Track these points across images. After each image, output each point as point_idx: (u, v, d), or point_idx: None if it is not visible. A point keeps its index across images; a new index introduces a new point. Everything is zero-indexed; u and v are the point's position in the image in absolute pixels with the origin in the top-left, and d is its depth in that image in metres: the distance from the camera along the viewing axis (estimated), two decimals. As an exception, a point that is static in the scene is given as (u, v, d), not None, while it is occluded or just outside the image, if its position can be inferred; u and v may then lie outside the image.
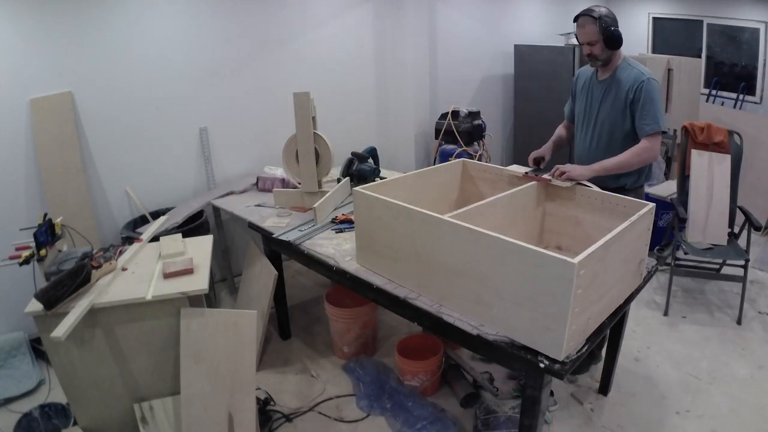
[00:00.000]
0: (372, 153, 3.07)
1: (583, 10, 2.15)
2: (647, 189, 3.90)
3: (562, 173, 2.07)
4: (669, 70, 4.68)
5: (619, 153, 2.18)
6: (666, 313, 3.04)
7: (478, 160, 3.92)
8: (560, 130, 2.56)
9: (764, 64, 5.83)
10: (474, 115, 4.14)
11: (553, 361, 1.44)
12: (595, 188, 2.02)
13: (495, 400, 2.19)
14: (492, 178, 2.34)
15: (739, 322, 2.91)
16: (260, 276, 2.67)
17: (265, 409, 2.28)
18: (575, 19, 2.19)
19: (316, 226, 2.44)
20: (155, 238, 2.02)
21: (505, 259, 1.47)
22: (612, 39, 2.12)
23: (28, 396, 2.43)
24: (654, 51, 6.63)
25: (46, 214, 1.87)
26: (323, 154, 2.66)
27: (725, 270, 3.30)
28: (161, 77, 3.01)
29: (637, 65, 2.20)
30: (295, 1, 3.51)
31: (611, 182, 2.25)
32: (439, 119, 4.22)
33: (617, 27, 2.12)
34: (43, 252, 1.73)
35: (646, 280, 1.94)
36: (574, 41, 5.01)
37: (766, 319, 2.97)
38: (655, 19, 6.59)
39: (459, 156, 3.92)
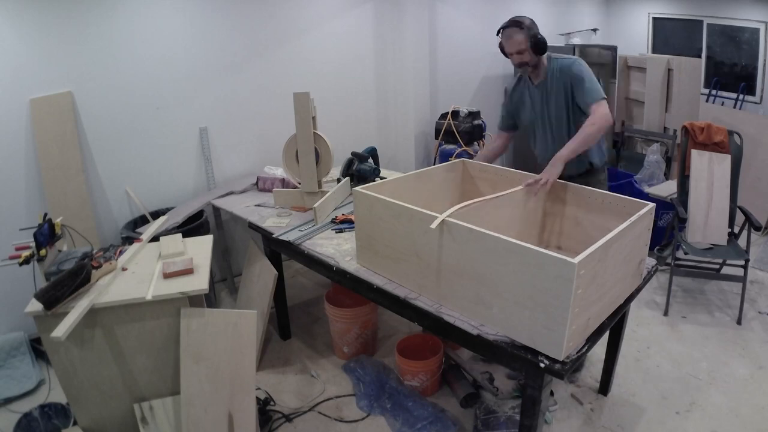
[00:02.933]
0: (372, 153, 3.07)
1: (507, 21, 2.24)
2: (647, 189, 3.90)
3: (543, 184, 2.03)
4: (669, 70, 4.68)
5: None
6: (666, 313, 3.04)
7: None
8: (493, 145, 2.65)
9: (764, 64, 5.83)
10: (474, 115, 4.14)
11: (554, 361, 1.44)
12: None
13: (495, 400, 2.19)
14: (492, 178, 2.34)
15: (739, 322, 2.91)
16: (260, 276, 2.67)
17: (265, 409, 2.28)
18: (499, 32, 2.27)
19: (316, 226, 2.44)
20: (155, 238, 2.02)
21: (505, 259, 1.47)
22: (538, 45, 2.20)
23: (28, 396, 2.43)
24: (654, 51, 6.63)
25: (46, 214, 1.86)
26: (323, 154, 2.66)
27: (725, 270, 3.30)
28: (161, 77, 3.01)
29: (558, 56, 2.29)
30: (295, 2, 3.51)
31: (579, 167, 2.34)
32: (439, 119, 4.22)
33: (540, 33, 2.22)
34: (43, 252, 1.73)
35: (646, 280, 1.94)
36: (575, 41, 5.04)
37: (766, 319, 2.97)
38: (655, 19, 6.59)
39: (459, 156, 3.92)
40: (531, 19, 2.24)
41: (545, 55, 2.29)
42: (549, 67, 2.29)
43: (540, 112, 2.39)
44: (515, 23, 2.21)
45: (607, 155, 2.49)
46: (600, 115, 2.13)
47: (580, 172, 2.38)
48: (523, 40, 2.20)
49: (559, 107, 2.31)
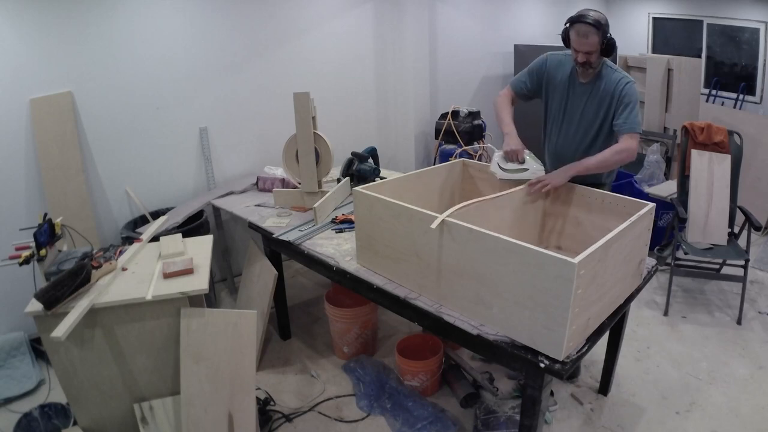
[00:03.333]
0: (372, 153, 3.07)
1: (583, 16, 2.04)
2: (647, 189, 3.90)
3: (544, 186, 2.04)
4: (669, 70, 4.68)
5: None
6: (666, 313, 3.04)
7: (478, 160, 3.92)
8: (509, 102, 2.41)
9: (764, 64, 5.83)
10: (474, 115, 4.14)
11: (554, 361, 1.44)
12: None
13: (495, 400, 2.19)
14: (492, 178, 2.33)
15: (739, 322, 2.91)
16: (260, 276, 2.67)
17: (265, 409, 2.28)
18: (572, 24, 2.09)
19: (316, 226, 2.44)
20: (155, 238, 2.02)
21: (505, 259, 1.47)
22: (610, 47, 2.09)
23: (28, 396, 2.43)
24: (654, 51, 6.62)
25: (46, 214, 1.86)
26: (323, 154, 2.66)
27: (725, 270, 3.30)
28: (161, 77, 3.01)
29: (616, 68, 2.20)
30: (295, 2, 3.51)
31: (589, 178, 2.27)
32: (439, 119, 4.22)
33: (610, 33, 2.10)
34: (43, 252, 1.73)
35: (646, 280, 1.94)
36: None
37: (766, 319, 2.97)
38: (655, 19, 6.59)
39: (459, 156, 3.92)
40: (604, 16, 2.09)
41: (602, 59, 2.18)
42: (603, 72, 2.17)
43: (572, 111, 2.28)
44: (595, 23, 2.02)
45: (615, 173, 2.45)
46: (627, 147, 2.09)
47: (585, 182, 2.25)
48: (597, 42, 2.05)
49: (596, 116, 2.22)
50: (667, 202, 3.57)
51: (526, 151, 2.17)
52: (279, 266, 2.62)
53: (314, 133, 2.61)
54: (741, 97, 5.92)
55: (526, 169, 2.14)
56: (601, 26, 2.04)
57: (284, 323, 2.86)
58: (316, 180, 2.68)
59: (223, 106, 3.31)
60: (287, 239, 2.32)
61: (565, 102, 2.30)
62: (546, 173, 2.14)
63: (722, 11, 5.99)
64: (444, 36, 4.53)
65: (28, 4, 2.49)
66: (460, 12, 4.66)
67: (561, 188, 2.10)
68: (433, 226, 1.61)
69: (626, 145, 2.10)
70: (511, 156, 2.17)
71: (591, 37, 2.05)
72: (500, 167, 2.18)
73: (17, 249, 1.77)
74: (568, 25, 2.12)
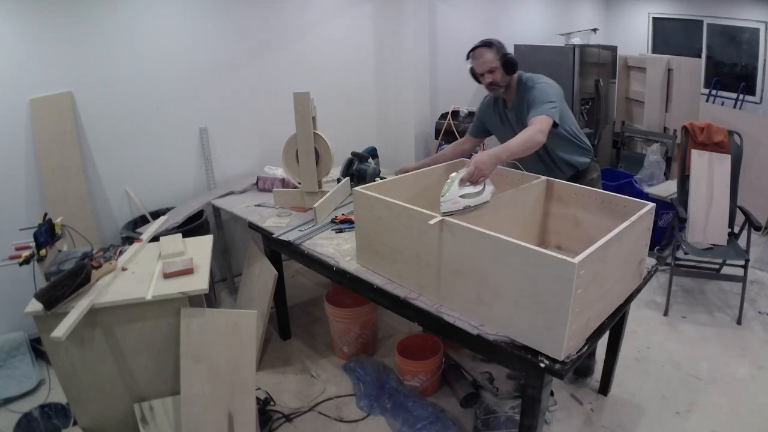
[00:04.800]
0: (372, 153, 3.07)
1: (478, 42, 2.26)
2: (647, 189, 3.90)
3: (481, 176, 1.84)
4: (669, 70, 4.68)
5: (556, 163, 2.35)
6: (666, 313, 3.04)
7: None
8: (461, 147, 2.69)
9: (764, 64, 5.82)
10: (474, 115, 4.12)
11: (554, 361, 1.44)
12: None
13: (495, 400, 2.19)
14: (492, 178, 2.32)
15: (739, 322, 2.91)
16: (260, 276, 2.67)
17: (265, 409, 2.29)
18: (468, 56, 2.29)
19: (316, 226, 2.44)
20: (155, 238, 2.02)
21: (505, 259, 1.47)
22: (509, 63, 2.23)
23: (28, 396, 2.43)
24: (654, 51, 6.62)
25: (46, 214, 1.87)
26: (323, 154, 2.66)
27: (725, 270, 3.30)
28: (161, 77, 3.01)
29: (532, 79, 2.25)
30: (296, 2, 3.51)
31: (566, 171, 2.37)
32: (439, 119, 4.22)
33: (509, 52, 2.26)
34: (43, 252, 1.73)
35: (646, 280, 1.94)
36: (575, 41, 5.04)
37: (766, 319, 2.97)
38: (655, 19, 6.59)
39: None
40: (498, 40, 2.28)
41: (516, 76, 2.30)
42: (520, 89, 2.29)
43: (513, 134, 2.22)
44: (484, 42, 2.25)
45: (590, 153, 2.41)
46: (533, 125, 2.02)
47: (567, 176, 2.36)
48: (493, 58, 2.22)
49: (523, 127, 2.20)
50: (667, 202, 3.57)
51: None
52: (279, 266, 2.62)
53: (314, 133, 2.61)
54: (741, 97, 5.92)
55: (477, 194, 1.83)
56: (491, 44, 2.23)
57: (284, 323, 2.86)
58: (316, 180, 2.68)
59: (223, 106, 3.31)
60: (287, 239, 2.32)
61: (505, 130, 2.41)
62: None
63: (722, 11, 5.99)
64: (444, 36, 4.53)
65: (28, 4, 2.49)
66: (460, 12, 4.66)
67: (561, 188, 2.09)
68: (432, 222, 1.61)
69: (533, 126, 2.02)
70: (478, 172, 1.85)
71: (486, 55, 2.23)
72: (457, 195, 1.79)
73: (17, 249, 1.77)
74: (469, 61, 2.31)
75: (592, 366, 2.48)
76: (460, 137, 4.04)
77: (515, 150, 1.99)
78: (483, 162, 1.84)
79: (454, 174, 1.84)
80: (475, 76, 2.36)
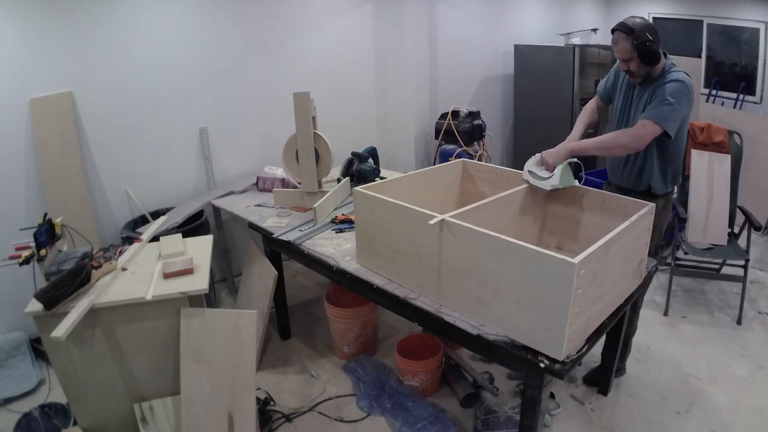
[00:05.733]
0: (372, 153, 3.07)
1: (619, 22, 1.98)
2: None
3: (541, 160, 2.01)
4: (669, 70, 4.67)
5: (652, 162, 2.11)
6: (666, 313, 3.04)
7: (478, 160, 3.92)
8: (590, 111, 2.33)
9: (764, 64, 5.83)
10: (474, 115, 4.14)
11: (554, 361, 1.44)
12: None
13: (495, 400, 2.19)
14: (492, 178, 2.34)
15: (739, 322, 2.91)
16: (260, 276, 2.67)
17: (265, 409, 2.28)
18: (612, 32, 2.02)
19: (316, 226, 2.44)
20: (155, 238, 2.02)
21: (505, 259, 1.47)
22: (648, 55, 1.93)
23: (28, 396, 2.43)
24: (654, 51, 6.61)
25: (46, 214, 1.87)
26: (323, 154, 2.66)
27: (725, 270, 3.30)
28: (161, 77, 3.01)
29: (676, 72, 2.01)
30: (295, 2, 3.51)
31: (636, 184, 2.17)
32: (439, 119, 4.22)
33: (654, 40, 1.92)
34: (43, 252, 1.73)
35: (646, 280, 1.94)
36: (574, 41, 5.03)
37: (766, 319, 2.97)
38: (655, 19, 6.58)
39: (459, 156, 3.92)
40: (645, 21, 1.96)
41: (665, 65, 2.03)
42: (663, 77, 2.01)
43: (628, 111, 2.16)
44: (621, 27, 1.95)
45: (671, 185, 2.21)
46: (634, 132, 1.94)
47: (637, 190, 2.18)
48: (629, 48, 1.94)
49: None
50: (667, 202, 3.56)
51: (562, 165, 2.00)
52: (279, 266, 2.62)
53: (314, 133, 2.62)
54: (741, 97, 5.92)
55: (544, 179, 2.02)
56: (630, 30, 1.93)
57: (284, 323, 2.86)
58: (316, 180, 2.68)
59: (223, 106, 3.31)
60: (287, 239, 2.32)
61: (623, 103, 2.19)
62: (602, 188, 2.16)
63: (722, 11, 5.99)
64: (444, 36, 4.53)
65: (28, 4, 2.49)
66: (460, 12, 4.66)
67: (561, 188, 2.09)
68: (432, 222, 1.62)
69: (634, 129, 1.95)
70: (543, 162, 2.04)
71: (621, 43, 1.97)
72: (528, 169, 2.09)
73: (17, 249, 1.77)
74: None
75: (623, 368, 2.49)
76: (460, 137, 4.07)
77: (590, 150, 2.05)
78: (549, 154, 2.03)
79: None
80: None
